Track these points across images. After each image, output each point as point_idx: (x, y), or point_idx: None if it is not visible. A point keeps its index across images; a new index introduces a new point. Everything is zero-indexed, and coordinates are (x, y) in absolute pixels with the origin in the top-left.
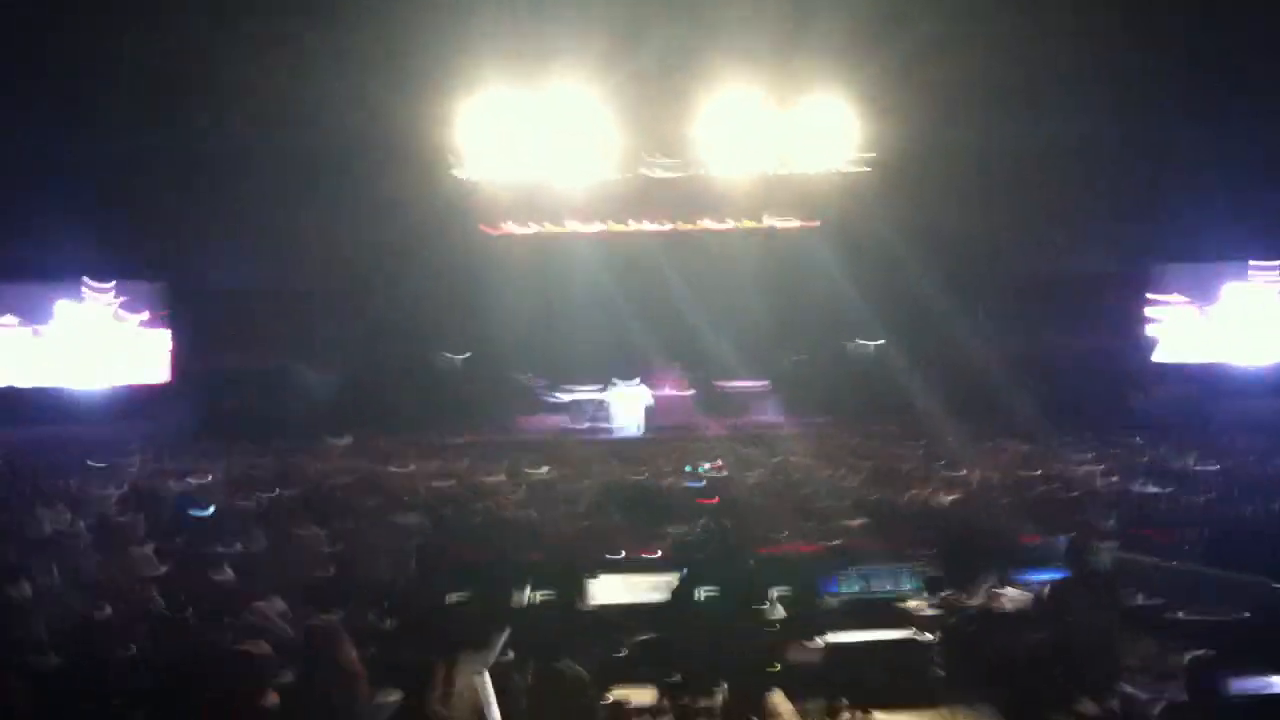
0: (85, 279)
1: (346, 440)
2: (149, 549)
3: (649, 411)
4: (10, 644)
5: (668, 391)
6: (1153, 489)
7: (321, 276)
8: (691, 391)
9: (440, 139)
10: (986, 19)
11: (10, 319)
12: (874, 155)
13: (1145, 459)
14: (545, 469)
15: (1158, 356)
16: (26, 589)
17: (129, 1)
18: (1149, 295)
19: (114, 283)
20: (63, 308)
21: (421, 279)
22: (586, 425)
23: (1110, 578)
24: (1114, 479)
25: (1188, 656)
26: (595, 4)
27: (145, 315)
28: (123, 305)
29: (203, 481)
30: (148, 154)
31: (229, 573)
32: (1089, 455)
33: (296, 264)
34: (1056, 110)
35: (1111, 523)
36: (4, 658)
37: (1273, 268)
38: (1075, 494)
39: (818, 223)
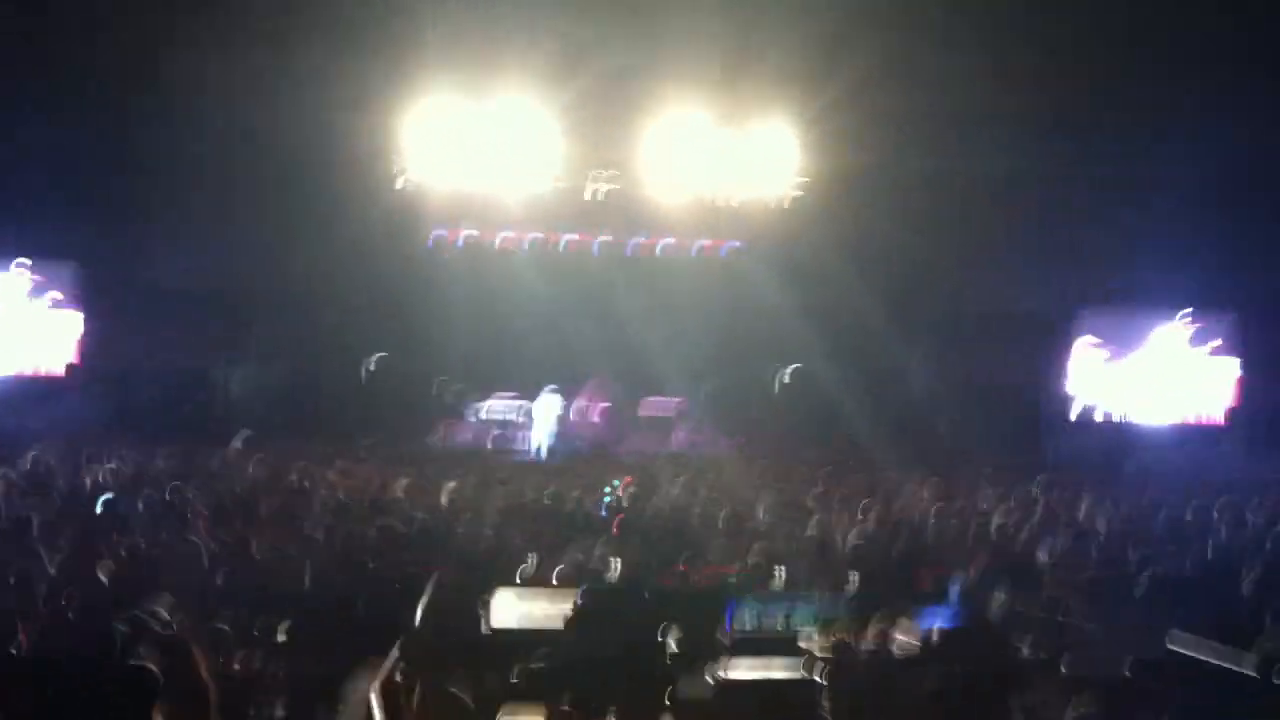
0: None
1: (253, 443)
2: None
3: (566, 425)
4: None
5: (587, 406)
6: (1050, 536)
7: (250, 278)
8: (609, 407)
9: (380, 145)
10: (925, 52)
11: None
12: (808, 181)
13: (1048, 506)
14: (452, 483)
15: (1074, 403)
16: None
17: None
18: (1074, 339)
19: (28, 261)
20: None
21: (352, 284)
22: (498, 434)
23: (1000, 625)
24: (1014, 522)
25: (1070, 712)
26: (543, 17)
27: (57, 298)
28: (35, 287)
29: (103, 475)
30: (88, 138)
31: (115, 568)
32: (994, 496)
33: (224, 264)
34: (992, 145)
35: (1005, 568)
36: None
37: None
38: (974, 535)
39: (745, 244)
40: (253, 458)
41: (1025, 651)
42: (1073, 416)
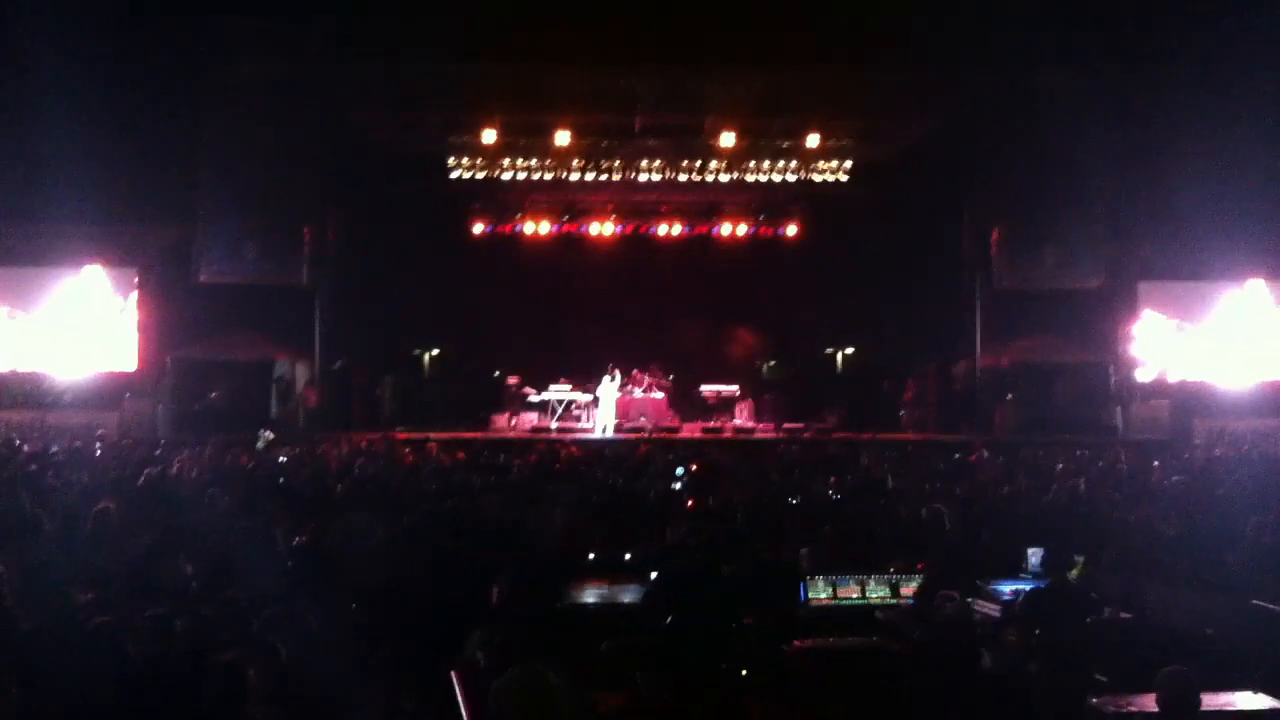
0: (69, 264)
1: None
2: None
3: (625, 412)
4: None
5: (645, 393)
6: (1126, 501)
7: (305, 273)
8: (671, 388)
9: (434, 138)
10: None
11: None
12: (860, 164)
13: (1121, 473)
14: (519, 466)
15: (1141, 374)
16: None
17: None
18: (1135, 311)
19: (97, 269)
20: (44, 293)
21: (408, 276)
22: (560, 425)
23: (1082, 590)
24: (1087, 492)
25: (1160, 672)
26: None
27: (126, 302)
28: (104, 292)
29: (176, 470)
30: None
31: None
32: (1064, 468)
33: (281, 259)
34: (1054, 122)
35: (1083, 536)
36: None
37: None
38: (1048, 505)
39: (805, 230)
40: (327, 448)
41: (1107, 614)
42: (1143, 380)
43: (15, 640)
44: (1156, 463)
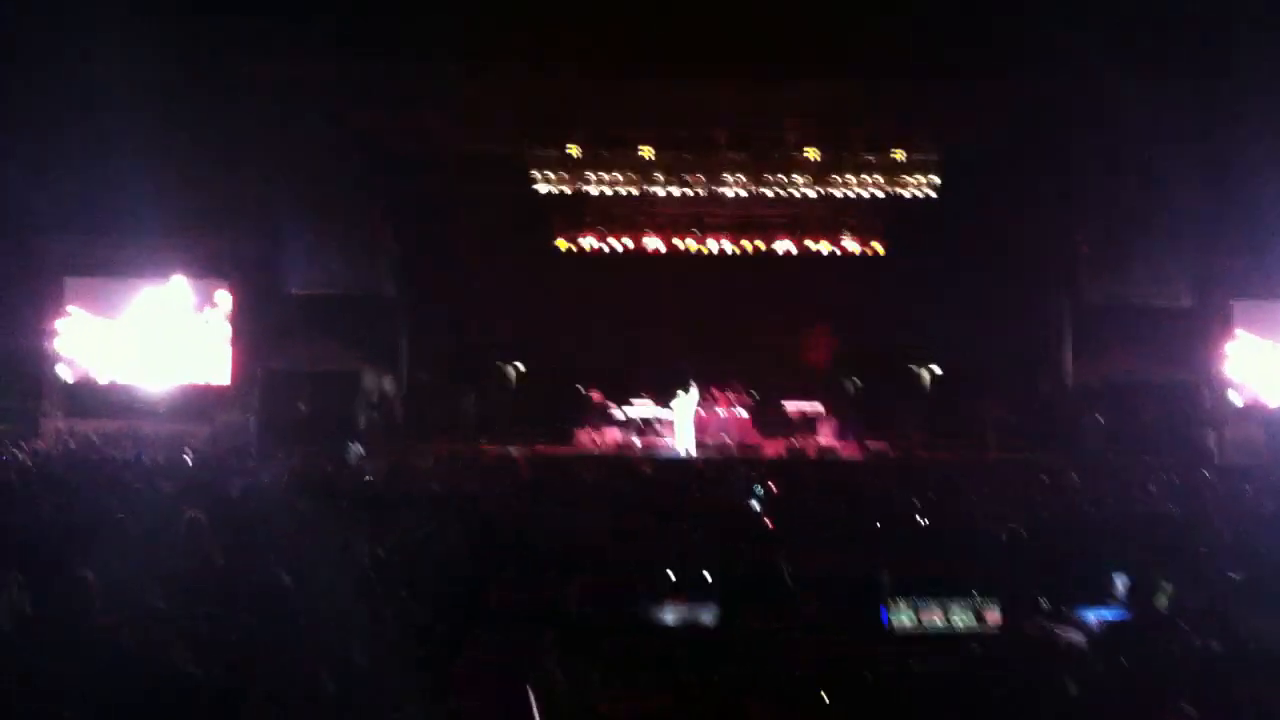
0: (158, 275)
1: (403, 445)
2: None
3: (705, 429)
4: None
5: (726, 410)
6: (1217, 527)
7: (389, 283)
8: (754, 406)
9: (519, 149)
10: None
11: (83, 312)
12: (945, 178)
13: (1216, 498)
14: (598, 480)
15: (1235, 396)
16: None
17: None
18: (1229, 331)
19: (181, 279)
20: (135, 303)
21: (491, 288)
22: (643, 440)
23: (1171, 618)
24: (1178, 516)
25: (1250, 704)
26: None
27: (216, 313)
28: (193, 304)
29: (265, 480)
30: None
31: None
32: (1154, 490)
33: (367, 271)
34: (1140, 136)
35: (1173, 561)
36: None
37: None
38: (1137, 529)
39: (890, 245)
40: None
41: (1196, 643)
42: (1238, 402)
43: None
44: (1249, 487)
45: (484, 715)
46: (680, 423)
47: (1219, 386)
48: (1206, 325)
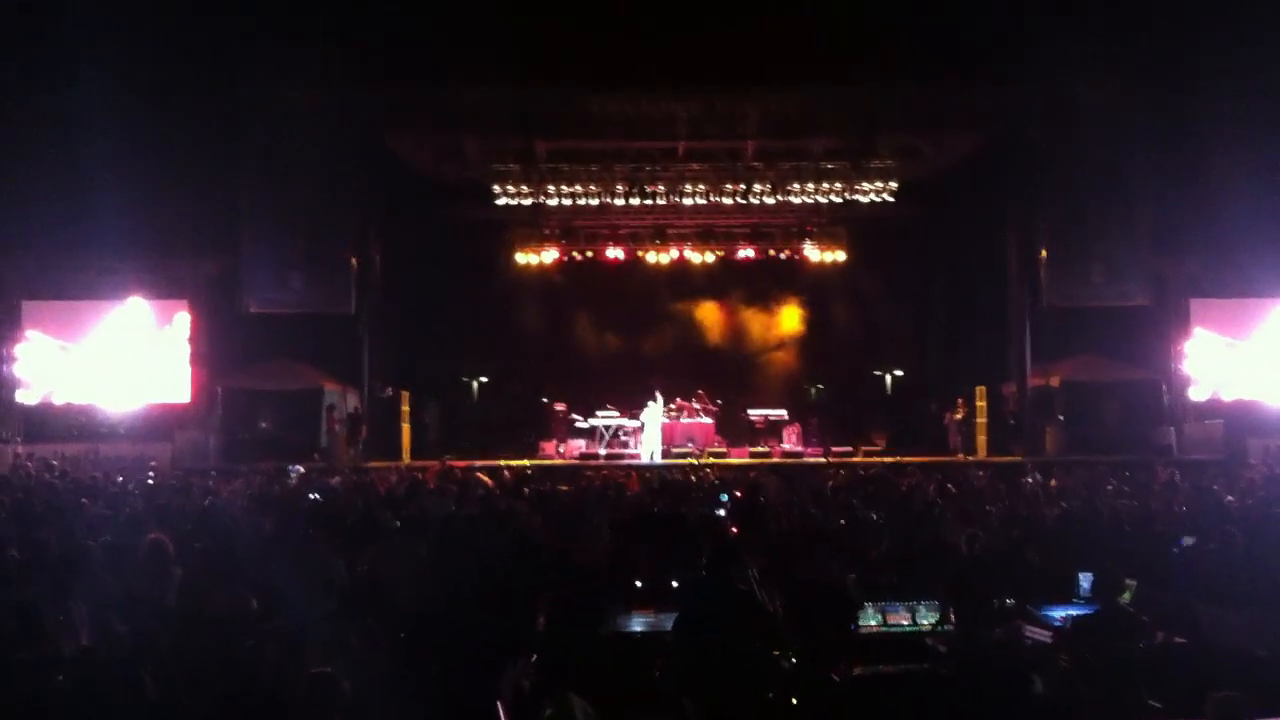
0: (116, 296)
1: (368, 461)
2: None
3: (672, 438)
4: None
5: (692, 418)
6: (1180, 523)
7: (352, 301)
8: (717, 414)
9: (479, 166)
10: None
11: (42, 335)
12: (904, 184)
13: (1174, 494)
14: (567, 492)
15: (1193, 393)
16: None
17: None
18: (1186, 329)
19: (141, 301)
20: (94, 325)
21: (454, 303)
22: (608, 451)
23: (1134, 614)
24: (1140, 513)
25: (1213, 696)
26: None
27: (175, 334)
28: (152, 324)
29: (225, 499)
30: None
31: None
32: (1115, 489)
33: (327, 288)
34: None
35: (1135, 558)
36: None
37: None
38: (1099, 527)
39: (851, 252)
40: (372, 475)
41: (1159, 638)
42: (1196, 398)
43: (59, 669)
44: (1215, 486)
45: None
46: (648, 432)
47: (1178, 384)
48: (1164, 324)
